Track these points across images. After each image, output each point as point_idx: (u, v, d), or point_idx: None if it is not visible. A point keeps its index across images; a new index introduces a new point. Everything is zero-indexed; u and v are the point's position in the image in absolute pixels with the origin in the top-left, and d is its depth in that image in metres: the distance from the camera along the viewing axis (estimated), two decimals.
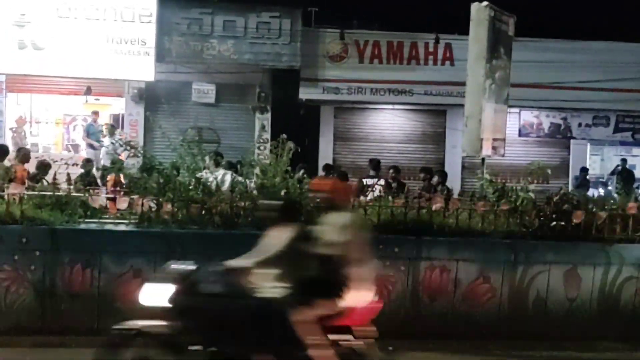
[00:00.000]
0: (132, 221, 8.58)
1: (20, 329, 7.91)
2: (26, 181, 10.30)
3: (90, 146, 18.92)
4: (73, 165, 14.50)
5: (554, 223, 9.21)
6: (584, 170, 20.90)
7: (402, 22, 19.40)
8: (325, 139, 20.44)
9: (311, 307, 6.10)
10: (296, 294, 6.21)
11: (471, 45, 11.85)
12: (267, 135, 19.19)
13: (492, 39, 11.49)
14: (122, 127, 19.46)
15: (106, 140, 17.99)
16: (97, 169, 16.11)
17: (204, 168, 9.74)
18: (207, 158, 10.34)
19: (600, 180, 22.26)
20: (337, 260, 6.21)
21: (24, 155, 13.16)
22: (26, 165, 12.80)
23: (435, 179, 14.76)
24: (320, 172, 15.69)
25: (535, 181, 9.76)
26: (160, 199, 8.61)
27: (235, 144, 18.61)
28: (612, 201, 10.02)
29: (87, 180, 12.28)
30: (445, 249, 8.74)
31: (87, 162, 14.99)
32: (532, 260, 8.93)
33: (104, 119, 19.56)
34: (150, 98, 19.14)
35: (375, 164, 15.13)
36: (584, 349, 8.61)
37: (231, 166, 12.57)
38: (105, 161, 17.37)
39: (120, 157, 14.53)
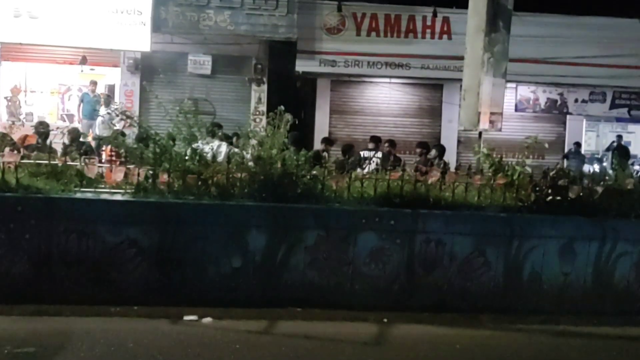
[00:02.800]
0: (128, 191, 8.55)
1: (14, 297, 7.88)
2: (21, 149, 10.26)
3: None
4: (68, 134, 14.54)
5: (550, 197, 9.20)
6: (577, 144, 20.93)
7: None
8: (321, 112, 20.44)
9: None
10: None
11: (470, 18, 11.79)
12: (263, 108, 19.25)
13: (492, 11, 11.42)
14: (118, 97, 19.41)
15: (102, 110, 17.96)
16: (93, 138, 16.11)
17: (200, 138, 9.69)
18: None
19: (596, 156, 22.31)
20: None
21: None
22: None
23: (433, 152, 14.80)
24: (319, 146, 15.71)
25: (531, 156, 9.73)
26: (157, 170, 8.58)
27: (230, 116, 18.62)
28: (607, 177, 10.02)
29: (76, 149, 12.21)
30: (441, 222, 8.72)
31: (72, 131, 14.79)
32: (528, 234, 8.92)
33: (99, 89, 19.49)
34: (145, 68, 19.09)
35: (375, 139, 15.15)
36: (578, 324, 8.64)
37: (226, 138, 12.55)
38: (100, 131, 17.35)
39: (115, 127, 14.51)
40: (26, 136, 13.39)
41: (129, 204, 8.36)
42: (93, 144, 16.05)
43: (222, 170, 8.69)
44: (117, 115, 9.88)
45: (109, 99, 18.42)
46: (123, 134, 9.76)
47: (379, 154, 14.09)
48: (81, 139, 14.57)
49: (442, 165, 12.50)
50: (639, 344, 8.36)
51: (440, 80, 20.13)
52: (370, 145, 14.74)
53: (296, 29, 18.64)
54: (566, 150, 21.23)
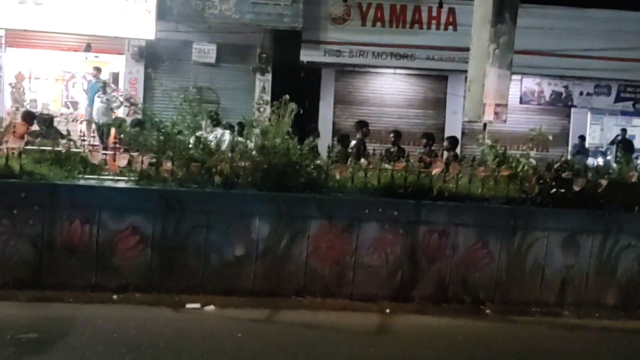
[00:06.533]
0: (132, 178, 8.55)
1: (17, 283, 7.90)
2: (25, 136, 10.26)
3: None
4: (72, 121, 14.59)
5: (554, 190, 9.18)
6: (582, 137, 20.90)
7: None
8: (325, 102, 20.41)
9: None
10: None
11: (476, 8, 11.76)
12: (267, 97, 19.19)
13: (498, 2, 11.38)
14: (122, 85, 19.40)
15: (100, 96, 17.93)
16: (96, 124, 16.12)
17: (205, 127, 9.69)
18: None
19: (600, 149, 22.28)
20: None
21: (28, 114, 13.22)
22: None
23: (446, 144, 14.84)
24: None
25: (536, 148, 9.70)
26: (160, 157, 8.57)
27: (234, 105, 18.60)
28: (610, 170, 9.99)
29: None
30: (444, 213, 8.71)
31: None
32: (531, 226, 8.90)
33: (104, 77, 19.47)
34: (150, 56, 19.07)
35: (357, 126, 14.99)
36: (580, 316, 8.64)
37: (229, 127, 12.55)
38: (99, 117, 17.32)
39: (114, 114, 14.51)
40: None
41: (132, 191, 8.36)
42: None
43: (226, 158, 8.68)
44: (115, 101, 9.82)
45: (105, 85, 18.36)
46: (123, 121, 9.73)
47: (353, 142, 14.07)
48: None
49: (454, 157, 12.50)
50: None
51: (445, 71, 20.08)
52: (358, 135, 14.63)
53: (301, 18, 18.60)
54: (570, 144, 21.20)
